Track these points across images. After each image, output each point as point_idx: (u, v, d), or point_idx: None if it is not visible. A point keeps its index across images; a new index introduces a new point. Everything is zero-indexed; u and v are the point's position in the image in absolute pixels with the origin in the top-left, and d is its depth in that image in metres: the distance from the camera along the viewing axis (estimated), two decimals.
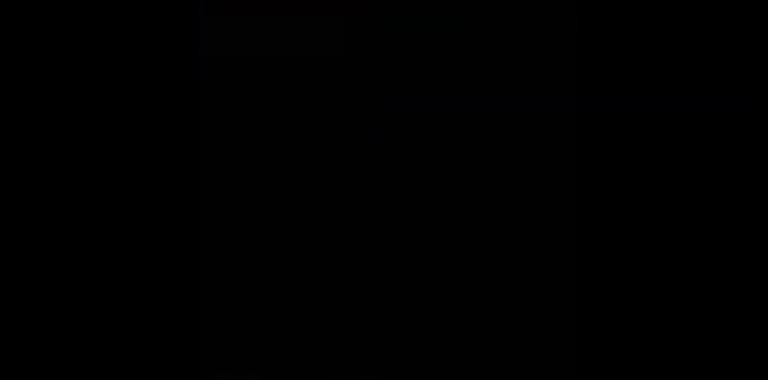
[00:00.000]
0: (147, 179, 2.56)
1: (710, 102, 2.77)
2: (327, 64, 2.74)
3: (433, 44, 2.80)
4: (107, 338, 2.52)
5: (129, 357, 2.53)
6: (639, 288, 2.78)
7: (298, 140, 2.77)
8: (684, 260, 2.77)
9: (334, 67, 2.74)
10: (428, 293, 2.84)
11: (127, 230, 2.55)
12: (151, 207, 2.56)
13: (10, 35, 2.54)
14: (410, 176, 2.82)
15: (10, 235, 2.50)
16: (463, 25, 2.69)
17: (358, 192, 2.82)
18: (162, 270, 2.57)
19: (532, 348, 2.85)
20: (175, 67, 2.61)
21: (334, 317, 2.85)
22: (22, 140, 2.51)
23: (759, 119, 2.77)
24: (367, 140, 2.68)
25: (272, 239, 2.81)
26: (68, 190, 2.53)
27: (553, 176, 2.82)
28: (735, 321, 2.75)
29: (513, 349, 2.85)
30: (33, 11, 2.53)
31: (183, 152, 2.60)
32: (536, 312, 2.85)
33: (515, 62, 2.83)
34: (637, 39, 2.81)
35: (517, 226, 2.83)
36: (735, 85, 2.78)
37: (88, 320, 2.51)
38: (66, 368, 2.50)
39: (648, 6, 2.81)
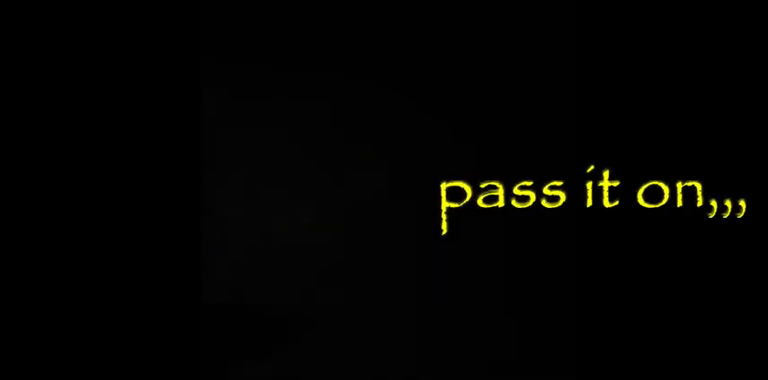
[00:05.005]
0: (147, 179, 2.57)
1: None
2: None
3: None
4: (108, 333, 2.54)
5: (130, 354, 2.54)
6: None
7: None
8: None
9: None
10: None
11: (127, 230, 2.56)
12: (151, 207, 2.57)
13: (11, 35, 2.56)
14: None
15: (10, 235, 2.51)
16: None
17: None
18: (162, 269, 2.58)
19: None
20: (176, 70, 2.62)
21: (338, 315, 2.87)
22: (21, 140, 2.53)
23: None
24: None
25: None
26: (69, 190, 2.54)
27: None
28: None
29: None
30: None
31: (182, 153, 2.61)
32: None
33: None
34: None
35: None
36: None
37: (89, 319, 2.53)
38: (67, 368, 2.51)
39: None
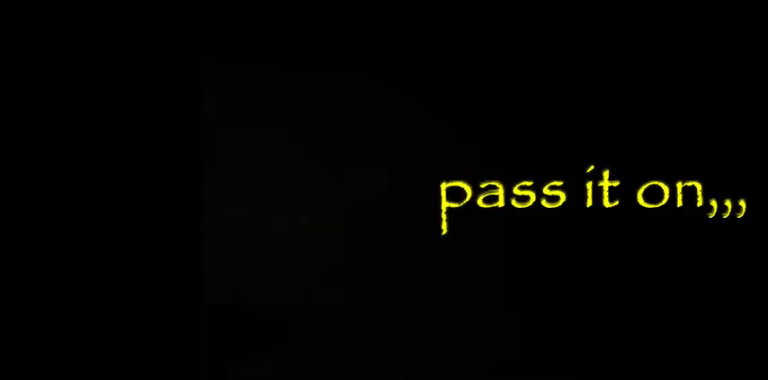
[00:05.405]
0: (147, 179, 2.58)
1: None
2: None
3: None
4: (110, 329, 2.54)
5: (131, 351, 2.54)
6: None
7: None
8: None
9: None
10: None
11: (127, 230, 2.56)
12: (151, 207, 2.58)
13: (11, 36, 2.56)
14: None
15: (11, 235, 2.51)
16: None
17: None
18: (162, 268, 2.58)
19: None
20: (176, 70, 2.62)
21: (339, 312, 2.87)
22: (22, 140, 2.53)
23: None
24: None
25: None
26: (70, 190, 2.54)
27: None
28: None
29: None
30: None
31: (182, 153, 2.61)
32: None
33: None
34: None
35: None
36: None
37: (89, 318, 2.53)
38: (68, 368, 2.51)
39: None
